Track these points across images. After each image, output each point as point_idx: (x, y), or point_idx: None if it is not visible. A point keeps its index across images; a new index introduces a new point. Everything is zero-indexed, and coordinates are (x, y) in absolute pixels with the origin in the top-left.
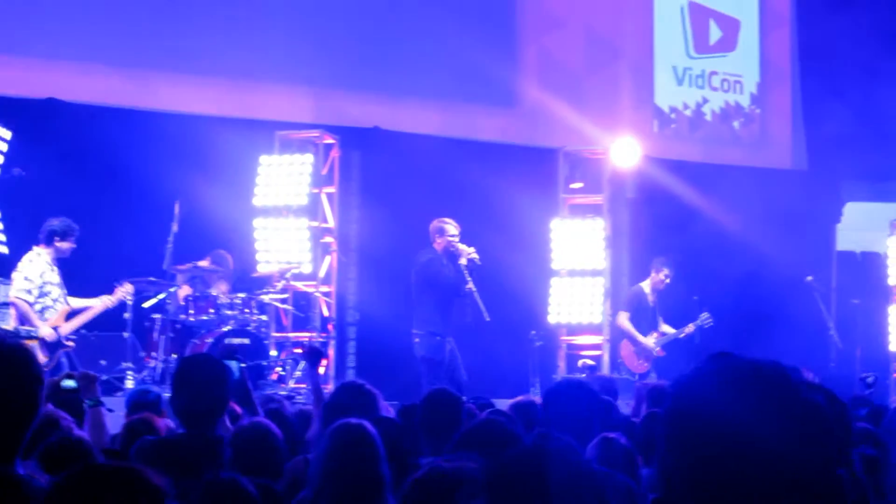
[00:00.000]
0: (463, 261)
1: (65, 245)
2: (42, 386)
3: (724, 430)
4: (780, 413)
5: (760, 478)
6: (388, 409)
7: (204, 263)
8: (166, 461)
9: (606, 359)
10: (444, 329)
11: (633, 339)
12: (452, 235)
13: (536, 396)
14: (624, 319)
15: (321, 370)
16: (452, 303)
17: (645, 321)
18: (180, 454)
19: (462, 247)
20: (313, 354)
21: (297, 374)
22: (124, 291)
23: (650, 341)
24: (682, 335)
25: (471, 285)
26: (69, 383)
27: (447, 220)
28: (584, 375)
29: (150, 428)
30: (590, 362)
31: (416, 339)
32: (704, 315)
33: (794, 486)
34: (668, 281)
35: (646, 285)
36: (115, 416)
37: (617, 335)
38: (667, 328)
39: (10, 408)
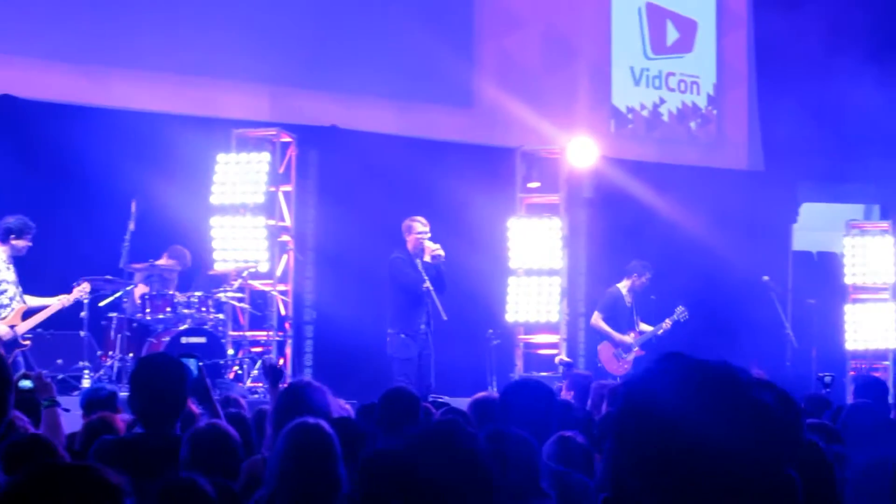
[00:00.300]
0: (426, 258)
1: (21, 243)
2: (10, 389)
3: (673, 430)
4: (729, 413)
5: (709, 478)
6: (341, 407)
7: (162, 262)
8: (125, 461)
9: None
10: (410, 328)
11: (612, 339)
12: (420, 233)
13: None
14: (599, 320)
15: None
16: (419, 301)
17: (623, 322)
18: (139, 454)
19: (427, 244)
20: (273, 373)
21: (255, 372)
22: (81, 290)
23: (629, 340)
24: (661, 331)
25: (427, 284)
26: (26, 383)
27: (417, 217)
28: (551, 373)
29: (109, 427)
30: (566, 359)
31: (388, 338)
32: (680, 309)
33: (744, 486)
34: (646, 283)
35: (623, 286)
36: (71, 416)
37: (595, 337)
38: (645, 327)
39: None
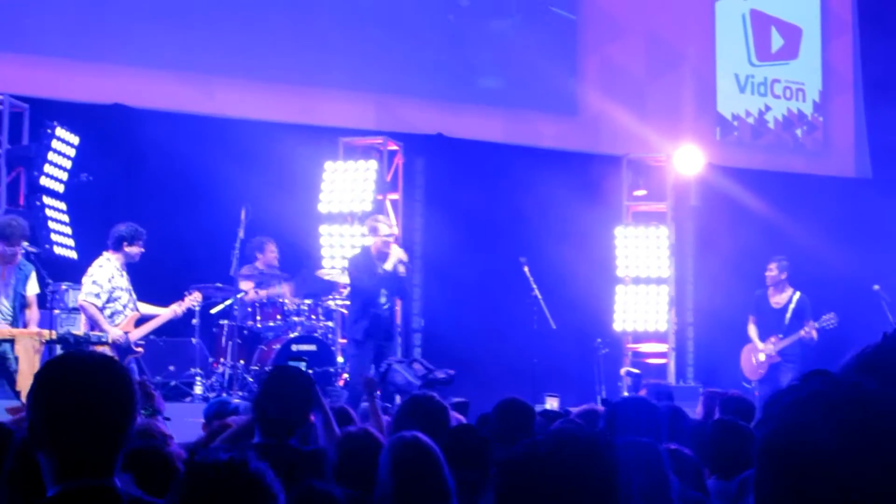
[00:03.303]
0: (388, 266)
1: (134, 249)
2: (136, 399)
3: (824, 459)
4: (886, 445)
5: None
6: (458, 420)
7: (259, 263)
8: None
9: (672, 367)
10: (358, 333)
11: (753, 344)
12: (386, 235)
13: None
14: (749, 324)
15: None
16: (370, 307)
17: (769, 325)
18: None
19: (394, 250)
20: (369, 386)
21: None
22: (193, 300)
23: (768, 347)
24: (807, 337)
25: (536, 292)
26: None
27: (380, 217)
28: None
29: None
30: (634, 370)
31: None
32: (828, 316)
33: None
34: (773, 273)
35: (771, 289)
36: (186, 424)
37: (746, 342)
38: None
39: (107, 421)
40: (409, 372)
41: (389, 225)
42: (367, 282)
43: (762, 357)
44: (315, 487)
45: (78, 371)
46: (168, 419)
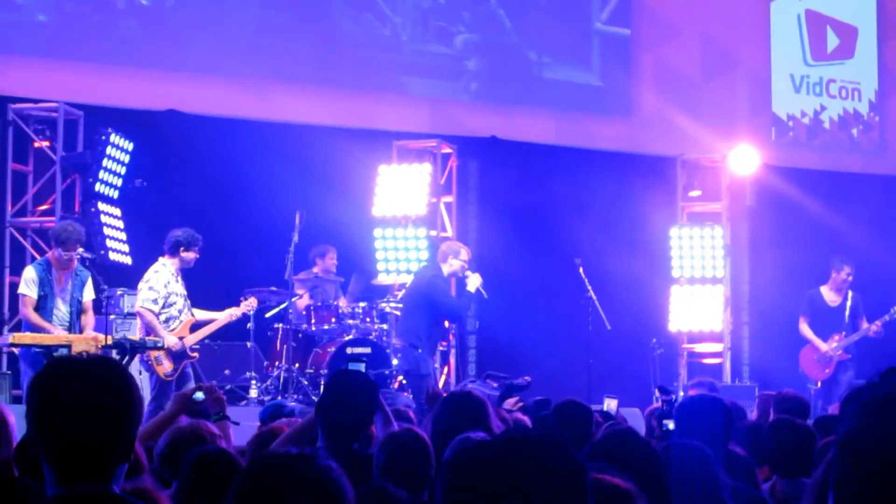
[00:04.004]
0: (471, 287)
1: (189, 255)
2: (134, 403)
3: None
4: None
5: None
6: (503, 417)
7: (318, 269)
8: None
9: (728, 367)
10: (431, 346)
11: (814, 345)
12: (465, 261)
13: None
14: (802, 325)
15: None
16: (442, 322)
17: (827, 324)
18: None
19: (473, 274)
20: (433, 399)
21: None
22: (248, 305)
23: (832, 345)
24: (871, 333)
25: (591, 293)
26: (199, 395)
27: (461, 244)
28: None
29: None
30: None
31: (403, 353)
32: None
33: None
34: (843, 277)
35: (825, 288)
36: (238, 427)
37: (801, 342)
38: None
39: (100, 426)
40: (485, 387)
41: (469, 252)
42: (456, 301)
43: (828, 356)
44: (380, 489)
45: (68, 376)
46: (237, 423)
